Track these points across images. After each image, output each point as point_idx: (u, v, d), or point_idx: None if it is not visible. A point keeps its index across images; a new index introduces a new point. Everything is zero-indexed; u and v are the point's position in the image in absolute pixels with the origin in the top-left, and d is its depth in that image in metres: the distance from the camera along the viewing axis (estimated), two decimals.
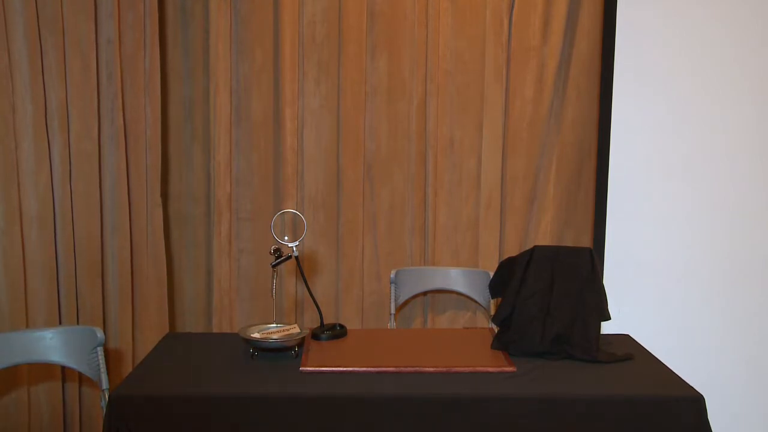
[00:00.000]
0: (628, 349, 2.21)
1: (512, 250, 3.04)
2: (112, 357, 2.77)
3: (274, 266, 2.20)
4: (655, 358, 2.16)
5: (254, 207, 3.03)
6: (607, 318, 2.18)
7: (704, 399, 1.86)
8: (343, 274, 3.05)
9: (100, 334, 2.14)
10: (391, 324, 2.86)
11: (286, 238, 2.28)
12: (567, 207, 3.10)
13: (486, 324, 3.05)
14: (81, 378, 2.71)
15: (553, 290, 2.17)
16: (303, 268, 2.29)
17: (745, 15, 2.93)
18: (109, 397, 1.84)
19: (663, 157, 3.00)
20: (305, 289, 3.00)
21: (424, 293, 3.07)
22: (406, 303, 3.07)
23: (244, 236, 3.04)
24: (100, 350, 2.14)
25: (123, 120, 2.73)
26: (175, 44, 2.98)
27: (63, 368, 2.64)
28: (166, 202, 3.01)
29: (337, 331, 2.31)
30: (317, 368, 2.00)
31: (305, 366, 2.01)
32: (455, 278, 2.92)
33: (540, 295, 2.17)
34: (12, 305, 2.52)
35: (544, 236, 3.08)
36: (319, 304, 2.40)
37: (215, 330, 3.00)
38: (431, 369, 2.00)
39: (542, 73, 3.02)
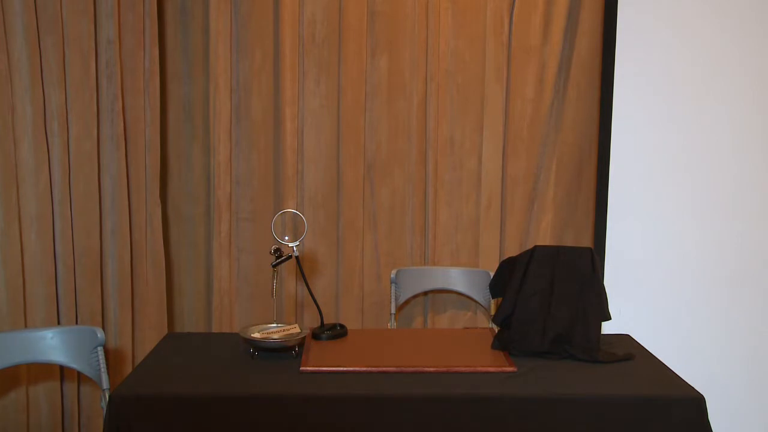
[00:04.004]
0: (628, 349, 2.21)
1: (512, 250, 3.03)
2: (111, 357, 2.77)
3: (274, 266, 2.20)
4: (655, 358, 2.16)
5: (254, 207, 3.03)
6: (608, 318, 2.18)
7: (704, 399, 1.86)
8: (343, 274, 3.05)
9: (100, 333, 2.14)
10: (392, 324, 2.86)
11: (286, 238, 2.28)
12: (567, 207, 3.10)
13: (486, 324, 3.05)
14: (80, 378, 2.70)
15: (554, 290, 2.17)
16: (303, 268, 2.29)
17: (745, 15, 2.93)
18: (109, 397, 1.84)
19: (663, 158, 3.00)
20: (305, 289, 3.00)
21: (425, 293, 3.07)
22: (406, 303, 3.06)
23: (244, 236, 3.04)
24: (100, 350, 2.14)
25: (123, 120, 2.73)
26: (175, 44, 2.98)
27: (62, 368, 2.64)
28: (165, 202, 3.01)
29: (338, 331, 2.31)
30: (317, 368, 2.00)
31: (305, 366, 2.01)
32: (455, 278, 2.92)
33: (540, 295, 2.17)
34: (11, 305, 2.52)
35: (544, 236, 3.08)
36: (319, 304, 2.40)
37: (215, 330, 3.00)
38: (431, 369, 2.00)
39: (543, 73, 3.02)
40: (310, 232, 3.02)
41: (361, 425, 1.84)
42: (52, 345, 2.12)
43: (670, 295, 3.02)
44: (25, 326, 2.54)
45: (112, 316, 2.77)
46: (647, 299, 3.03)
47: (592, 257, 2.19)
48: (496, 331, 2.27)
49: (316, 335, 2.28)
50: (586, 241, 3.10)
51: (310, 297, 2.35)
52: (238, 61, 2.96)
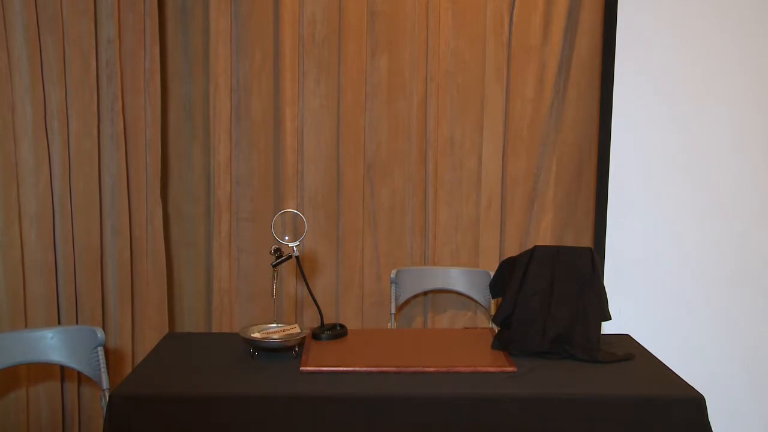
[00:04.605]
0: (628, 349, 2.21)
1: (512, 250, 3.03)
2: (111, 357, 2.77)
3: (274, 266, 2.20)
4: (655, 358, 2.16)
5: (254, 207, 3.03)
6: (608, 318, 2.18)
7: (704, 399, 1.86)
8: (343, 274, 3.05)
9: (100, 333, 2.14)
10: (392, 324, 2.86)
11: (286, 238, 2.28)
12: (567, 207, 3.10)
13: (486, 324, 3.05)
14: (80, 378, 2.70)
15: (554, 290, 2.17)
16: (303, 268, 2.29)
17: (745, 15, 2.93)
18: (109, 397, 1.84)
19: (663, 157, 3.00)
20: (305, 289, 3.00)
21: (425, 293, 3.07)
22: (406, 303, 3.06)
23: (244, 236, 3.04)
24: (100, 350, 2.14)
25: (123, 120, 2.73)
26: (175, 44, 2.98)
27: (62, 368, 2.64)
28: (165, 201, 3.01)
29: (338, 331, 2.31)
30: (317, 368, 2.00)
31: (305, 366, 2.01)
32: (455, 278, 2.92)
33: (540, 295, 2.17)
34: (11, 305, 2.52)
35: (544, 236, 3.08)
36: (319, 304, 2.40)
37: (215, 330, 3.00)
38: (432, 369, 2.00)
39: (543, 73, 3.02)
40: (310, 232, 3.02)
41: (361, 425, 1.84)
42: (52, 345, 2.12)
43: (670, 295, 3.02)
44: (26, 326, 2.55)
45: (113, 316, 2.77)
46: (647, 299, 3.03)
47: (592, 257, 2.19)
48: (496, 331, 2.27)
49: (316, 335, 2.28)
50: (586, 241, 3.10)
51: (310, 297, 2.35)
52: (238, 61, 2.96)
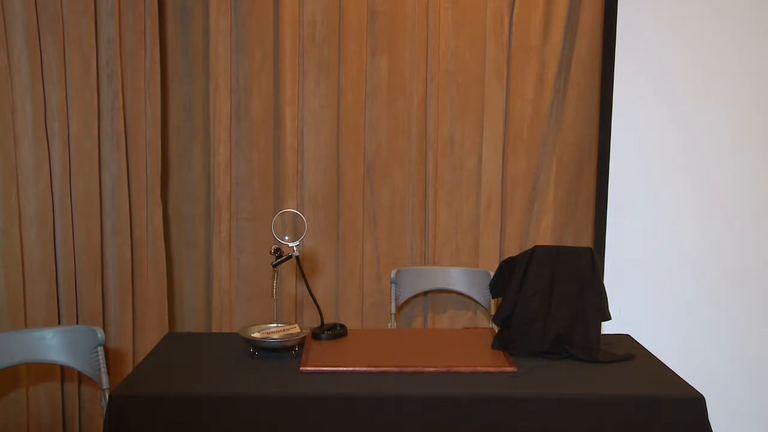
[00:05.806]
0: (628, 349, 2.21)
1: (512, 250, 3.03)
2: (111, 357, 2.77)
3: (274, 266, 2.20)
4: (655, 358, 2.16)
5: (254, 207, 3.03)
6: (608, 318, 2.18)
7: (704, 399, 1.86)
8: (343, 274, 3.05)
9: (100, 333, 2.14)
10: (392, 324, 2.86)
11: (286, 238, 2.28)
12: (567, 207, 3.10)
13: (486, 324, 3.05)
14: (80, 378, 2.71)
15: (554, 290, 2.17)
16: (303, 268, 2.29)
17: (745, 15, 2.93)
18: (109, 397, 1.84)
19: (664, 158, 3.00)
20: (305, 289, 3.00)
21: (425, 293, 3.07)
22: (406, 303, 3.06)
23: (244, 236, 3.04)
24: (100, 350, 2.14)
25: (123, 120, 2.73)
26: (175, 44, 2.98)
27: (62, 368, 2.64)
28: (165, 201, 3.01)
29: (338, 331, 2.31)
30: (317, 368, 2.00)
31: (305, 366, 2.01)
32: (456, 278, 2.92)
33: (540, 295, 2.17)
34: (11, 305, 2.52)
35: (544, 236, 3.08)
36: (319, 304, 2.40)
37: (215, 330, 3.00)
38: (432, 369, 2.00)
39: (543, 73, 3.02)
40: (310, 232, 3.02)
41: (361, 425, 1.84)
42: (52, 345, 2.12)
43: (670, 295, 3.02)
44: (26, 326, 2.55)
45: (113, 316, 2.77)
46: (647, 299, 3.03)
47: (592, 257, 2.19)
48: (496, 331, 2.27)
49: (316, 335, 2.28)
50: (586, 241, 3.10)
51: (310, 297, 2.35)
52: (238, 61, 2.96)
